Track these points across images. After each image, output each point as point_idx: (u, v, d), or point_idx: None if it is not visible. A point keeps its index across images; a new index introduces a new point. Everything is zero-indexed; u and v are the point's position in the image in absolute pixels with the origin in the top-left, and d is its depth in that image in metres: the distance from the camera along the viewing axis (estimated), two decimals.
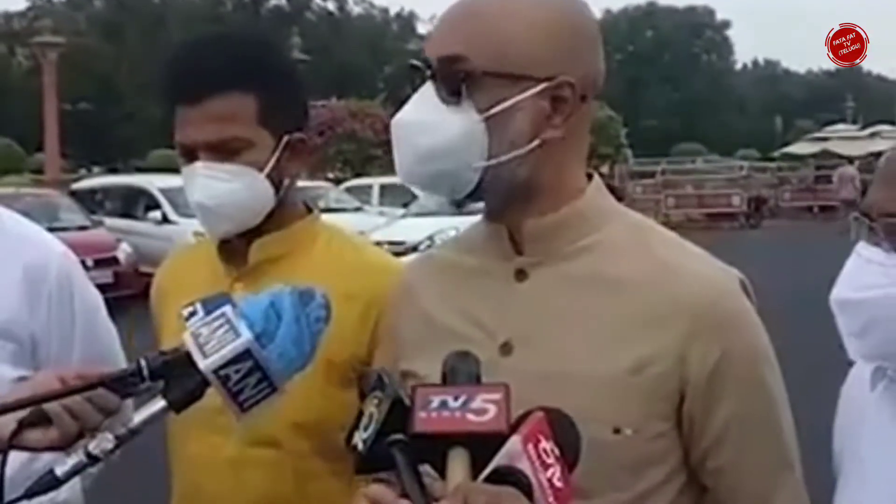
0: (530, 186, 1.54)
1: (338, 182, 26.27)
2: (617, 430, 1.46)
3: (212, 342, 1.31)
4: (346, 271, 1.97)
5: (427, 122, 1.51)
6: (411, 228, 16.26)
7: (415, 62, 1.55)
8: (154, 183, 19.39)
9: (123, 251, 15.89)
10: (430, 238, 15.54)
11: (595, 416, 1.42)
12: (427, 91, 1.53)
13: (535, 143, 1.51)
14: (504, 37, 1.50)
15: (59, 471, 1.29)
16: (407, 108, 1.54)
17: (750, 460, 1.53)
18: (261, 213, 1.96)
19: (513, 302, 1.55)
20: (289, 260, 2.00)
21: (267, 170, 1.93)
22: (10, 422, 1.38)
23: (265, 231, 1.99)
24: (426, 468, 1.25)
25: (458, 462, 1.22)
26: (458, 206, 1.61)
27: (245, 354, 1.30)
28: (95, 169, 48.39)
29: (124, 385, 1.38)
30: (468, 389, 1.26)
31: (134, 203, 18.90)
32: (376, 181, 26.14)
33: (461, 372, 1.30)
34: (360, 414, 1.31)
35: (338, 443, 1.91)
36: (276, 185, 1.96)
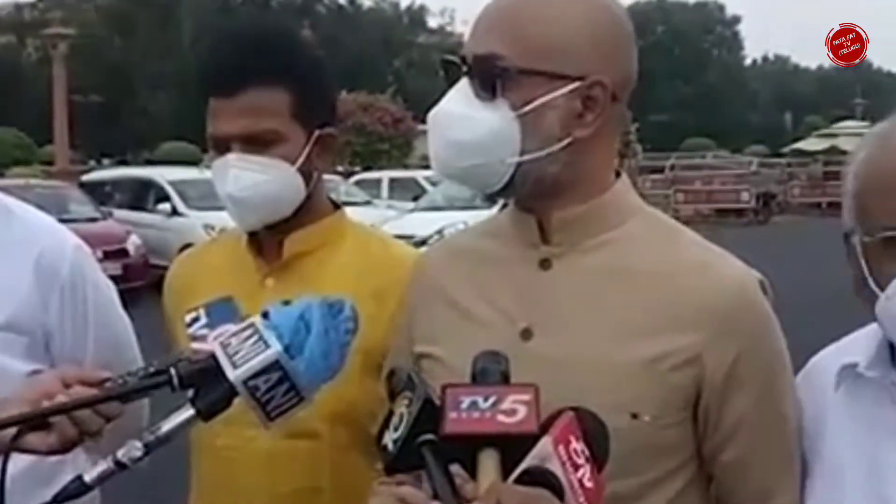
0: (560, 182, 1.57)
1: (347, 175, 26.25)
2: (635, 416, 1.49)
3: (241, 352, 1.32)
4: (376, 266, 1.99)
5: (462, 116, 1.55)
6: (421, 222, 16.24)
7: (450, 57, 1.58)
8: (164, 175, 19.44)
9: (133, 243, 15.90)
10: (440, 232, 15.48)
11: (613, 401, 1.44)
12: (463, 86, 1.56)
13: (567, 140, 1.55)
14: (540, 36, 1.54)
15: (88, 477, 1.30)
16: (443, 101, 1.58)
17: (759, 456, 1.57)
18: (291, 206, 1.98)
19: (536, 289, 1.59)
20: (319, 255, 2.02)
21: (299, 163, 1.95)
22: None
23: (295, 226, 2.01)
24: (456, 468, 1.26)
25: (488, 463, 1.23)
26: (491, 201, 1.64)
27: (274, 366, 1.32)
28: (105, 161, 48.44)
29: (150, 390, 1.41)
30: (498, 390, 1.27)
31: (143, 195, 18.93)
32: (386, 175, 26.15)
33: (491, 372, 1.31)
34: (391, 414, 1.32)
35: (371, 434, 1.94)
36: (307, 179, 1.98)
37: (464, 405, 1.25)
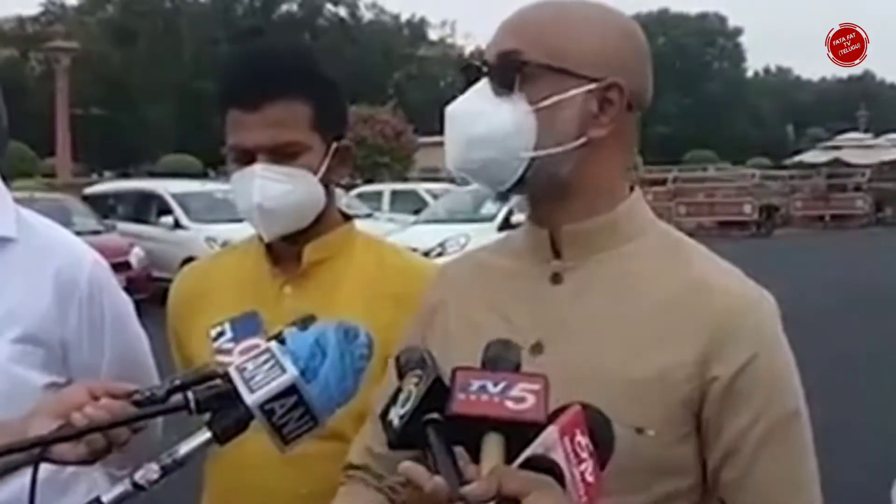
0: (571, 185, 1.59)
1: (348, 188, 26.31)
2: (640, 431, 1.49)
3: (258, 377, 1.34)
4: (392, 273, 2.05)
5: (479, 111, 1.58)
6: (422, 235, 16.25)
7: (472, 61, 1.62)
8: (166, 188, 19.48)
9: (136, 256, 15.92)
10: (441, 245, 15.52)
11: (619, 416, 1.43)
12: (481, 85, 1.59)
13: (581, 140, 1.57)
14: (560, 35, 1.58)
15: (105, 498, 1.32)
16: (460, 98, 1.61)
17: (761, 476, 1.54)
18: (313, 216, 2.03)
19: (547, 304, 1.60)
20: (334, 263, 2.07)
21: (320, 173, 2.01)
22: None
23: (312, 235, 2.06)
24: (459, 450, 1.26)
25: (493, 447, 1.23)
26: (502, 200, 1.66)
27: (290, 390, 1.33)
28: (107, 173, 48.54)
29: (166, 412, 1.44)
30: (508, 377, 1.27)
31: (146, 208, 18.96)
32: (387, 187, 26.23)
33: (503, 360, 1.31)
34: (398, 391, 1.32)
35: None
36: (326, 189, 2.04)
37: (473, 388, 1.25)
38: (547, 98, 1.55)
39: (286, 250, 2.06)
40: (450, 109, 1.61)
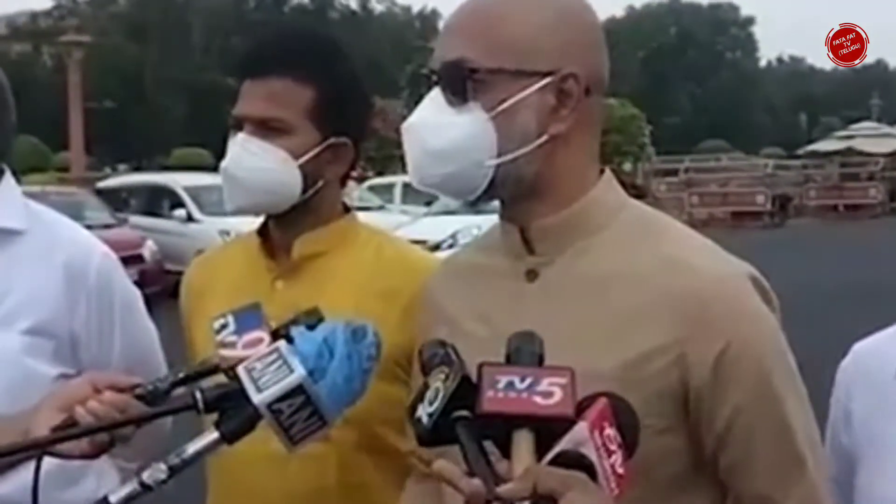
0: (540, 183, 1.56)
1: (361, 180, 26.29)
2: None
3: (265, 377, 1.34)
4: (387, 268, 2.02)
5: (435, 124, 1.55)
6: (434, 227, 16.26)
7: (424, 70, 1.59)
8: (179, 181, 19.50)
9: (149, 249, 15.96)
10: (453, 236, 15.53)
11: None
12: (435, 95, 1.56)
13: (544, 138, 1.54)
14: (504, 34, 1.54)
15: (114, 498, 1.32)
16: (416, 112, 1.58)
17: (757, 458, 1.51)
18: (284, 200, 2.00)
19: (523, 302, 1.57)
20: (329, 257, 2.05)
21: (301, 161, 1.98)
22: (42, 430, 1.44)
23: (305, 228, 2.04)
24: (488, 444, 1.27)
25: (523, 444, 1.23)
26: (473, 206, 1.64)
27: (298, 390, 1.33)
28: (120, 167, 48.64)
29: (176, 412, 1.44)
30: (534, 371, 1.27)
31: (159, 201, 19.00)
32: (399, 179, 26.18)
33: (525, 352, 1.31)
34: (425, 387, 1.32)
35: (379, 436, 1.92)
36: (308, 180, 2.00)
37: (500, 384, 1.25)
38: (502, 102, 1.52)
39: (280, 243, 2.05)
40: (406, 125, 1.59)
